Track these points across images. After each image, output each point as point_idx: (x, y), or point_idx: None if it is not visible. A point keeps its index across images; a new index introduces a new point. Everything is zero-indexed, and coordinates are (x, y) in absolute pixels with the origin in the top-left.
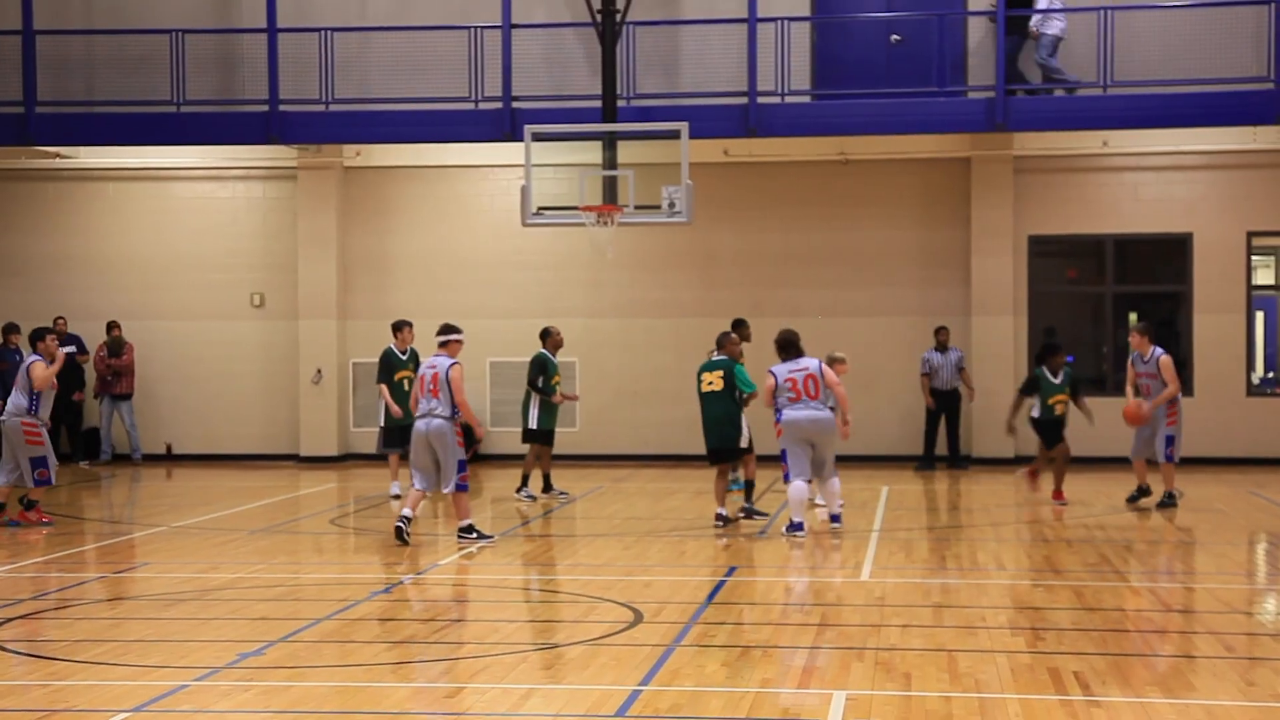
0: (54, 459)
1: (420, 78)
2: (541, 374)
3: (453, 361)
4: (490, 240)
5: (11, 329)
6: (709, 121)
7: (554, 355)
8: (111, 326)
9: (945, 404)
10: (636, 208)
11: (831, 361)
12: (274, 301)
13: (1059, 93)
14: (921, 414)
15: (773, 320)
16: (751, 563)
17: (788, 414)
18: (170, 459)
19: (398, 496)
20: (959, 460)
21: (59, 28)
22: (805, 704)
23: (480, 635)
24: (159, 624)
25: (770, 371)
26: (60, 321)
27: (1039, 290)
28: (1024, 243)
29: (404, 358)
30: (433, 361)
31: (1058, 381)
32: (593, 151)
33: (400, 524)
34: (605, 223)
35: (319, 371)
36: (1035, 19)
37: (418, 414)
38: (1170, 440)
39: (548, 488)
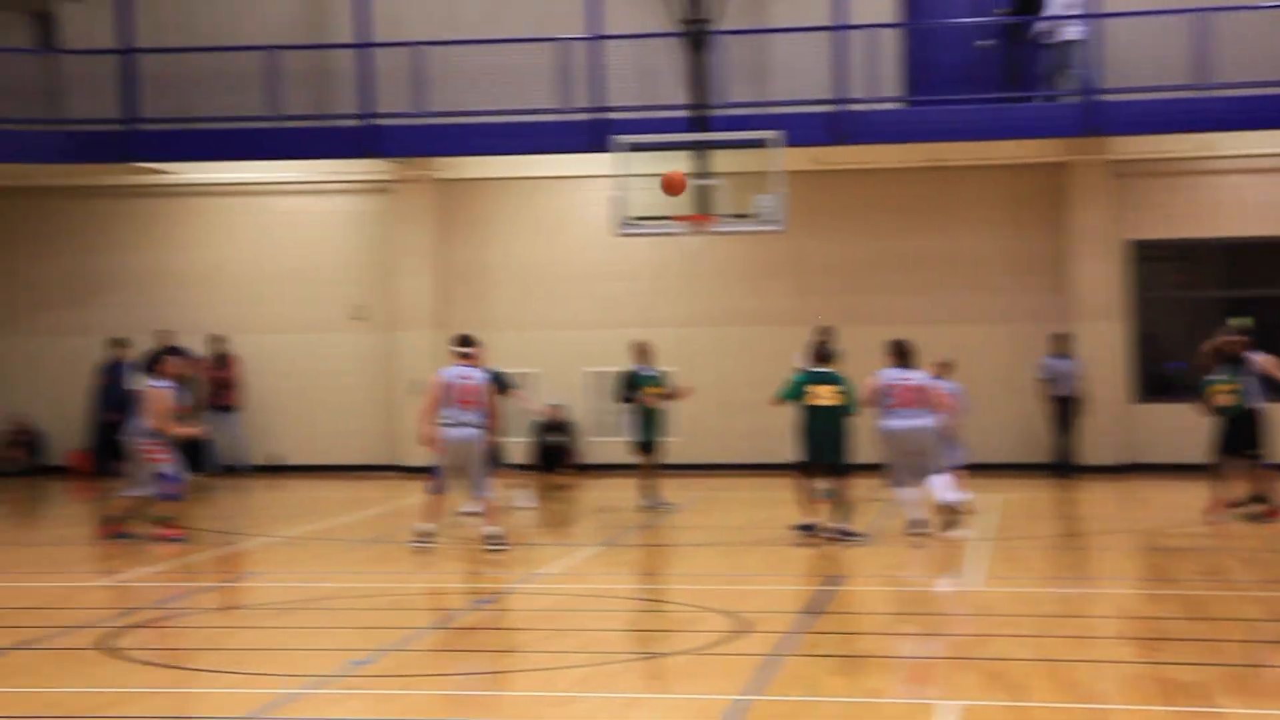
0: (182, 474)
1: (511, 90)
2: (625, 387)
3: (485, 375)
4: (583, 251)
5: (119, 342)
6: (799, 129)
7: (640, 365)
8: (216, 339)
9: (1063, 411)
10: (729, 216)
11: (943, 366)
12: (372, 314)
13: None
14: (1022, 421)
15: (865, 328)
16: (857, 572)
17: (887, 424)
18: (276, 470)
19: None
20: (1071, 468)
21: (159, 46)
22: (914, 714)
23: (584, 645)
24: (269, 632)
25: (878, 374)
26: (165, 335)
27: (1143, 296)
28: (1125, 248)
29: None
30: (466, 372)
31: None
32: (684, 161)
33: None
34: (698, 232)
35: (413, 381)
36: (1046, 24)
37: (449, 423)
38: None
39: (648, 499)
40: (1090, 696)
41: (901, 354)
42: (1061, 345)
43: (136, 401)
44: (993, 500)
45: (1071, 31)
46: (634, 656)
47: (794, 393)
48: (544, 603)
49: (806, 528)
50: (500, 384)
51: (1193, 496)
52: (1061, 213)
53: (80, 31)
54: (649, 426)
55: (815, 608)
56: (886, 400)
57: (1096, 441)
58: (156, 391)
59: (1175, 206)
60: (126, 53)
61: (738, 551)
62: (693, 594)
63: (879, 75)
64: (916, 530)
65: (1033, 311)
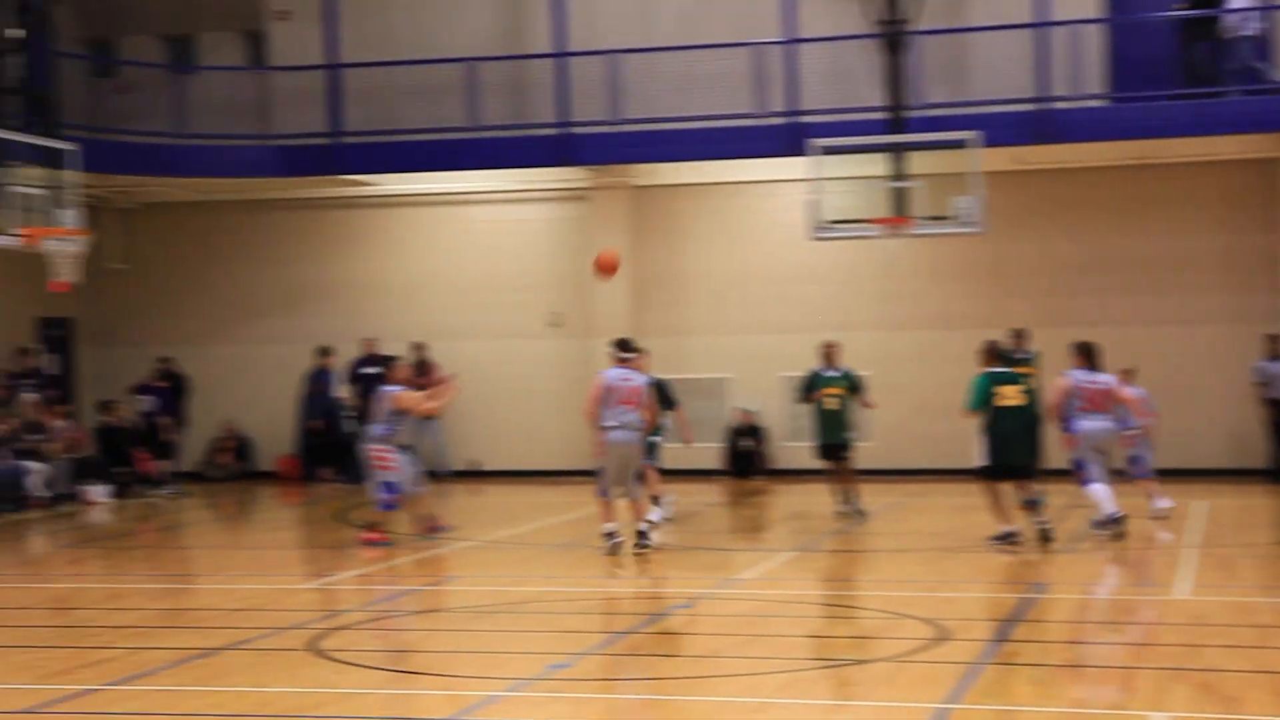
0: (404, 483)
1: (706, 95)
2: (805, 388)
3: (647, 379)
4: (779, 255)
5: (325, 351)
6: (999, 129)
7: (824, 366)
8: (416, 347)
9: (1278, 415)
10: (927, 218)
11: (1127, 373)
12: (570, 320)
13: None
14: (1235, 426)
15: (1067, 330)
16: (1061, 579)
17: (1081, 425)
18: (475, 475)
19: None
20: None
21: (362, 61)
22: None
23: (783, 650)
24: (470, 635)
25: (1068, 375)
26: (370, 342)
27: None
28: None
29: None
30: (627, 374)
31: None
32: (880, 163)
33: (641, 536)
34: (895, 235)
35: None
36: (1233, 19)
37: (612, 425)
38: None
39: (844, 504)
40: None
41: (1088, 355)
42: (1277, 347)
43: (373, 407)
44: (1202, 507)
45: (1248, 27)
46: (832, 663)
47: (981, 397)
48: (741, 608)
49: (1005, 536)
50: (663, 395)
51: None
52: (1274, 210)
53: (289, 48)
54: (828, 429)
55: (1017, 615)
56: (1076, 402)
57: None
58: (396, 394)
59: None
60: (332, 68)
61: (937, 558)
62: (891, 600)
63: (1081, 72)
64: (1105, 527)
65: (1245, 313)
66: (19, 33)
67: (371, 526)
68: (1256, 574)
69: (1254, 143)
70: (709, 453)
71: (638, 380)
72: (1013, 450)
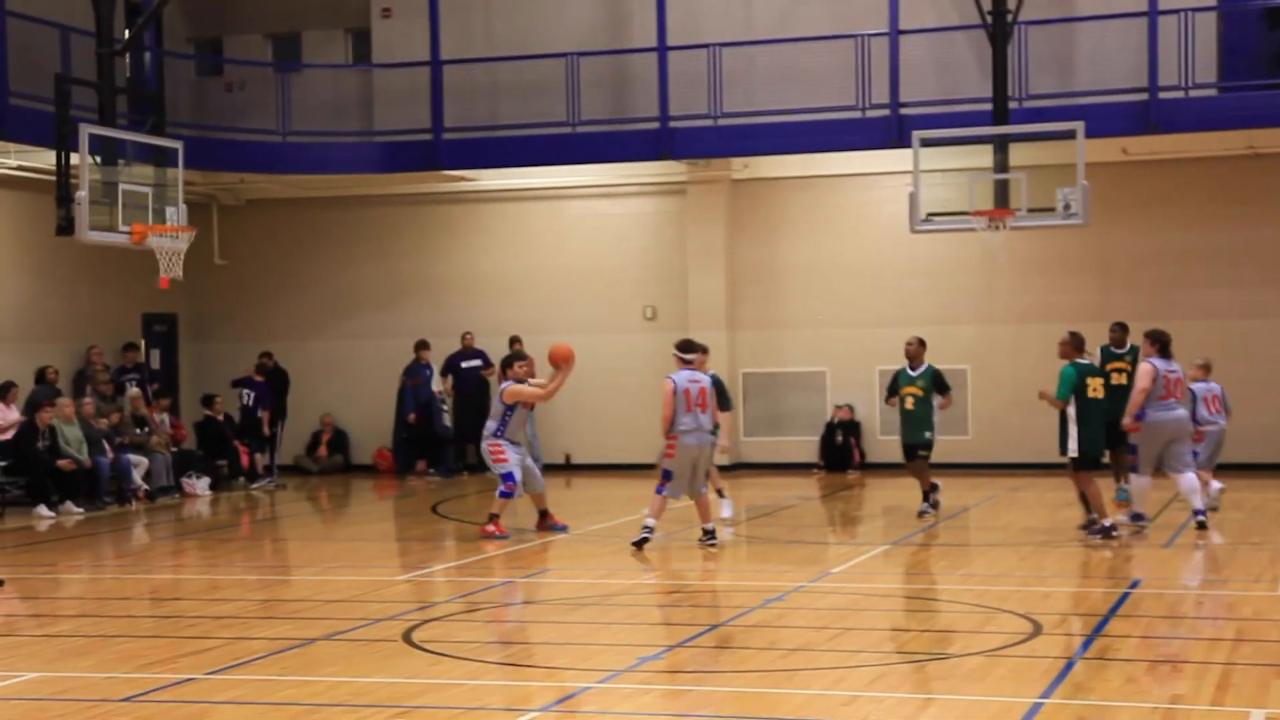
0: (520, 475)
1: (806, 88)
2: (889, 387)
3: (709, 378)
4: (878, 248)
5: (422, 345)
6: (1105, 120)
7: (909, 365)
8: (513, 341)
9: None
10: (1029, 210)
11: (1203, 368)
12: (665, 314)
13: None
14: None
15: (1175, 323)
16: (1159, 574)
17: (1155, 415)
18: (569, 468)
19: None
20: None
21: (463, 57)
22: None
23: (875, 644)
24: (562, 627)
25: (1152, 363)
26: (468, 336)
27: None
28: None
29: None
30: (695, 376)
31: None
32: (983, 155)
33: (645, 535)
34: (997, 227)
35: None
36: None
37: (688, 429)
38: None
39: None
40: None
41: (1166, 345)
42: None
43: (490, 402)
44: None
45: None
46: (925, 657)
47: (1070, 389)
48: (833, 601)
49: (1104, 529)
50: (720, 395)
51: None
52: None
53: (392, 46)
54: (906, 428)
55: (1112, 610)
56: (1159, 391)
57: None
58: (511, 389)
59: None
60: (434, 65)
61: (1031, 552)
62: (984, 595)
63: (1192, 60)
64: (1206, 513)
65: None
66: (128, 32)
67: (491, 519)
68: None
69: None
70: (805, 446)
71: (705, 381)
72: (1099, 441)
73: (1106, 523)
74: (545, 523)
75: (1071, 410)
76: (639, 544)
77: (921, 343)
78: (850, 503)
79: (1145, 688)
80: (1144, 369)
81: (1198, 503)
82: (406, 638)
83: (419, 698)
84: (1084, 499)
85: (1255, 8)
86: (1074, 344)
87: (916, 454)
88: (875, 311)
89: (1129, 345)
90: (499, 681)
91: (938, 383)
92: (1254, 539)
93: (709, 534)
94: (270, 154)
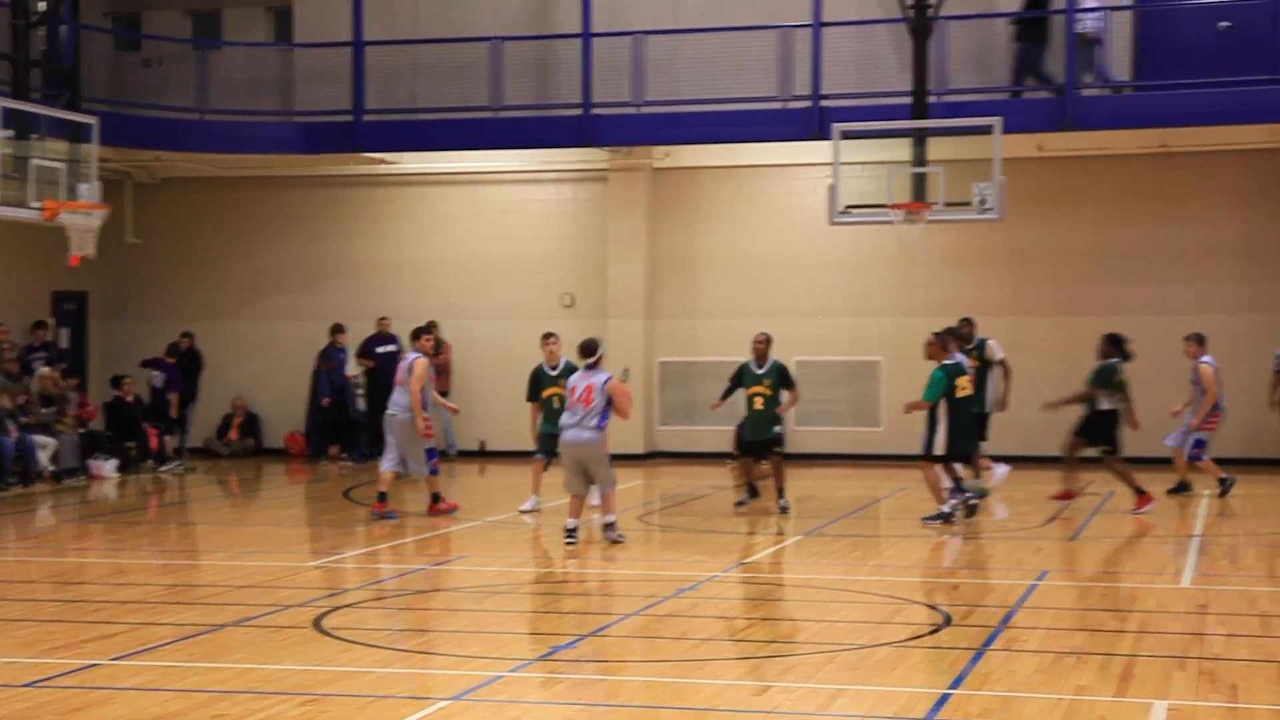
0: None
1: (729, 78)
2: (730, 384)
3: (608, 376)
4: (797, 239)
5: (338, 329)
6: (1022, 116)
7: (754, 362)
8: (431, 326)
9: None
10: (946, 204)
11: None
12: (584, 301)
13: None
14: (1252, 415)
15: (1084, 319)
16: (1065, 566)
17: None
18: (484, 455)
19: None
20: None
21: (386, 39)
22: (1123, 713)
23: (787, 634)
24: (475, 615)
25: (1209, 362)
26: (384, 321)
27: None
28: None
29: (554, 373)
30: (590, 376)
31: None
32: (902, 149)
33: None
34: (914, 220)
35: (626, 370)
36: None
37: (565, 425)
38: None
39: (750, 495)
40: None
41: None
42: None
43: (400, 374)
44: (1210, 496)
45: (1089, 25)
46: (838, 647)
47: (939, 392)
48: (745, 591)
49: (943, 516)
50: (783, 378)
51: None
52: None
53: (315, 24)
54: (754, 426)
55: (1022, 602)
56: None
57: None
58: (419, 362)
59: None
60: (356, 45)
61: (943, 543)
62: (896, 585)
63: (1108, 59)
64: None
65: (1263, 302)
66: (43, 5)
67: (436, 499)
68: (1256, 563)
69: (1276, 131)
70: (720, 436)
71: (596, 380)
72: (968, 439)
73: (945, 509)
74: (435, 506)
75: (941, 410)
76: (570, 543)
77: (769, 340)
78: (765, 493)
79: (1051, 679)
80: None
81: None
82: (316, 625)
83: (328, 685)
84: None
85: (1172, 7)
86: (940, 344)
87: (771, 450)
88: (793, 302)
89: (977, 339)
90: (409, 669)
91: (783, 379)
92: (1157, 533)
93: (608, 526)
94: (187, 132)
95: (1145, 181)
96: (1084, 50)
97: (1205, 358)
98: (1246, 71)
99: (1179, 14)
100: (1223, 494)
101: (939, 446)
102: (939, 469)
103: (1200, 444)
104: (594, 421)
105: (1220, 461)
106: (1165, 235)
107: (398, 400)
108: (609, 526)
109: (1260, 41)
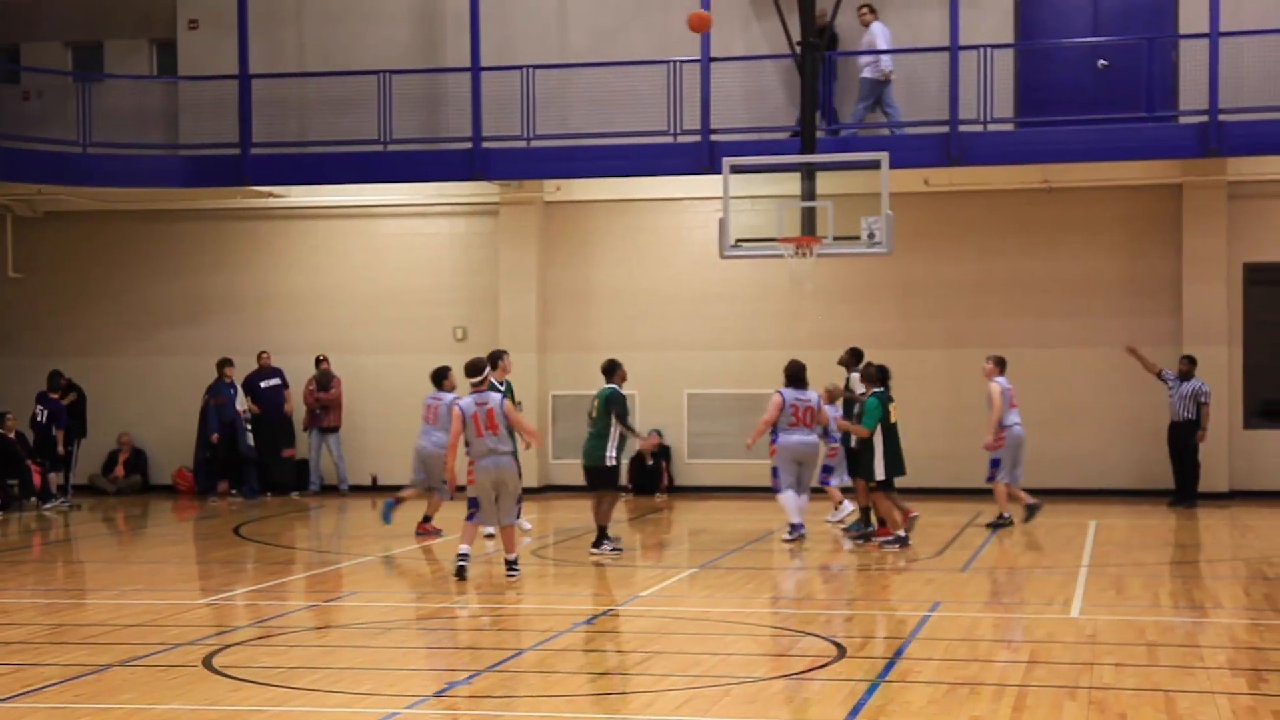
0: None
1: (619, 113)
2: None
3: (502, 395)
4: (688, 273)
5: (226, 363)
6: (910, 151)
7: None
8: (320, 360)
9: (1176, 436)
10: (835, 238)
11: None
12: (475, 335)
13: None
14: (1127, 447)
15: (972, 350)
16: (957, 597)
17: (784, 438)
18: (376, 489)
19: (491, 535)
20: (1187, 497)
21: (273, 71)
22: None
23: (683, 668)
24: (368, 652)
25: (780, 393)
26: (264, 355)
27: (1256, 320)
28: (1239, 271)
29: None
30: (483, 397)
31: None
32: (791, 183)
33: (460, 564)
34: (804, 254)
35: (519, 404)
36: (884, 61)
37: (482, 453)
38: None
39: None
40: None
41: (797, 375)
42: (1184, 368)
43: (435, 415)
44: (1093, 526)
45: (872, 70)
46: (734, 681)
47: (876, 419)
48: (641, 625)
49: (900, 539)
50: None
51: None
52: (1176, 234)
53: (200, 57)
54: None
55: (915, 633)
56: (788, 417)
57: (1208, 468)
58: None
59: None
60: (242, 79)
61: (836, 575)
62: (790, 618)
63: (992, 96)
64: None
65: (1144, 336)
66: None
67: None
68: (1143, 592)
69: (1157, 168)
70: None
71: (493, 402)
72: (901, 463)
73: (900, 533)
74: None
75: (877, 437)
76: (459, 574)
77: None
78: (659, 526)
79: (945, 709)
80: (774, 399)
81: (795, 518)
82: (207, 663)
83: None
84: (878, 515)
85: (1052, 45)
86: (876, 374)
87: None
88: (686, 335)
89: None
90: (302, 708)
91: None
92: (1045, 563)
93: (510, 564)
94: (70, 165)
95: (1029, 216)
96: (876, 90)
97: (999, 378)
98: (1124, 109)
99: (1059, 53)
100: (1027, 519)
101: (879, 473)
102: (887, 495)
103: (995, 464)
104: (507, 446)
105: (1107, 493)
106: (1048, 269)
107: (438, 439)
108: (512, 564)
109: (1136, 80)
